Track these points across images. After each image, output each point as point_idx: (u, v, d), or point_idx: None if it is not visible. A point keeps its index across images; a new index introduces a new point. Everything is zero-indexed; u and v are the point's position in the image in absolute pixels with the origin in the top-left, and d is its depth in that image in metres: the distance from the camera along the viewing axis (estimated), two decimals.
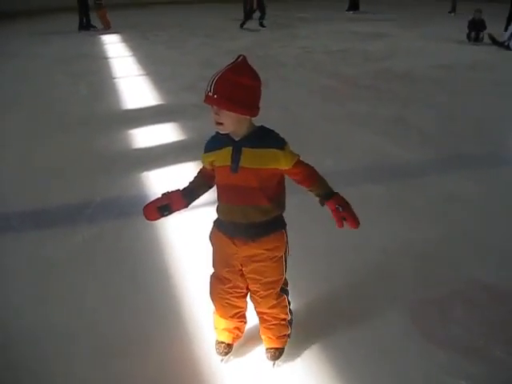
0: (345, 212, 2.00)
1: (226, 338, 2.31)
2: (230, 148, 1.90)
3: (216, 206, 2.05)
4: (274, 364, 2.28)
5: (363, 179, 4.33)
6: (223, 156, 1.92)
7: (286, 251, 2.08)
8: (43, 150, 5.19)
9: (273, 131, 1.95)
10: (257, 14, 14.99)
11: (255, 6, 14.74)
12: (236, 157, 1.89)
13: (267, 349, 2.30)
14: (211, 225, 2.12)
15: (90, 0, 15.31)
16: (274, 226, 2.02)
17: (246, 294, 2.20)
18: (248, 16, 14.90)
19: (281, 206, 2.03)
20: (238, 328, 2.30)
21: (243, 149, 1.89)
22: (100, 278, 3.02)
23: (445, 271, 2.99)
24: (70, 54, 11.31)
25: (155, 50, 11.86)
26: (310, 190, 2.05)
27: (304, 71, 9.17)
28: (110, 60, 10.62)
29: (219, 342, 2.33)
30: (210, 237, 2.14)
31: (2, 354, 2.45)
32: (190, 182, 2.13)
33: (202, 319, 2.54)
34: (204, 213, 2.17)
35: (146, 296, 2.81)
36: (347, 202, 2.02)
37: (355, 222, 2.01)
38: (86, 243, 3.40)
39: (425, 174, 4.48)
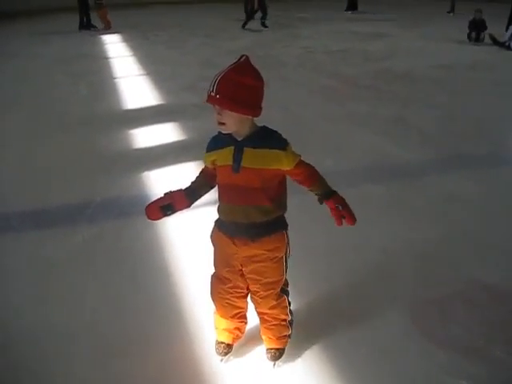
0: (344, 211, 2.02)
1: (226, 338, 2.31)
2: (232, 148, 1.90)
3: (217, 206, 2.05)
4: (274, 364, 2.28)
5: (363, 179, 4.33)
6: (225, 155, 1.92)
7: (286, 252, 2.08)
8: (43, 150, 5.19)
9: (275, 132, 1.95)
10: (258, 15, 14.97)
11: (256, 6, 14.73)
12: (238, 157, 1.89)
13: (268, 349, 2.30)
14: (212, 225, 2.12)
15: (90, 0, 15.32)
16: (275, 226, 2.02)
17: (247, 295, 2.20)
18: (250, 16, 14.88)
19: (282, 206, 2.03)
20: (238, 328, 2.30)
21: (245, 149, 1.89)
22: (100, 278, 3.02)
23: (445, 271, 2.99)
24: (71, 53, 11.31)
25: (155, 50, 11.86)
26: (311, 190, 2.06)
27: (304, 71, 9.18)
28: (111, 60, 10.62)
29: (219, 342, 2.33)
30: (211, 237, 2.14)
31: (2, 353, 2.45)
32: (192, 182, 2.13)
33: (203, 319, 2.53)
34: (204, 213, 2.18)
35: (147, 296, 2.81)
36: (345, 201, 2.04)
37: (353, 219, 2.03)
38: (86, 243, 3.40)
39: (425, 174, 4.48)
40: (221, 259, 2.12)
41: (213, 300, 2.23)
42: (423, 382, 2.22)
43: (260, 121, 1.94)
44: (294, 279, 2.32)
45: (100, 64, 10.15)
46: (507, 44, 10.85)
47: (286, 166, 1.92)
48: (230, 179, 1.94)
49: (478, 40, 11.65)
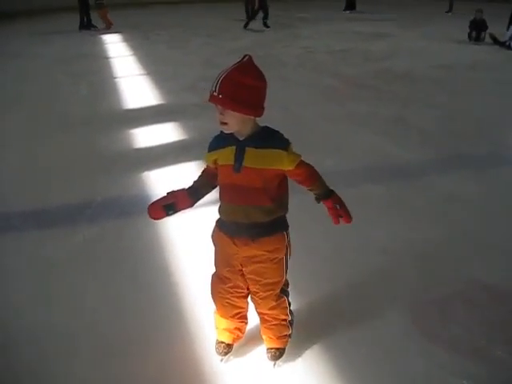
0: (341, 210, 2.04)
1: (226, 338, 2.31)
2: (234, 147, 1.90)
3: (218, 205, 2.06)
4: (274, 364, 2.28)
5: (363, 179, 4.34)
6: (226, 155, 1.92)
7: (287, 253, 2.08)
8: (44, 150, 5.19)
9: (277, 132, 1.96)
10: (260, 15, 14.96)
11: (256, 6, 14.72)
12: (239, 156, 1.89)
13: (268, 349, 2.30)
14: (212, 224, 2.13)
15: (90, 0, 15.32)
16: (276, 226, 2.02)
17: (247, 295, 2.20)
18: (252, 16, 14.86)
19: (284, 206, 2.03)
20: (238, 328, 2.30)
21: (247, 148, 1.89)
22: (100, 278, 3.02)
23: (445, 271, 2.99)
24: (71, 53, 11.31)
25: (156, 50, 11.87)
26: (309, 189, 2.07)
27: (305, 71, 9.18)
28: (111, 60, 10.62)
29: (219, 342, 2.33)
30: (212, 236, 2.14)
31: (2, 353, 2.45)
32: (195, 182, 2.12)
33: (203, 319, 2.54)
34: (205, 212, 2.18)
35: (147, 295, 2.81)
36: (342, 200, 2.06)
37: (350, 218, 2.06)
38: (87, 243, 3.41)
39: (425, 173, 4.49)
40: (221, 259, 2.13)
41: (213, 300, 2.23)
42: (423, 382, 2.22)
43: (260, 120, 1.95)
44: (295, 279, 2.32)
45: (100, 64, 10.15)
46: (508, 44, 10.87)
47: (287, 166, 1.92)
48: (231, 179, 1.94)
49: (478, 40, 11.67)
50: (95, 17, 15.60)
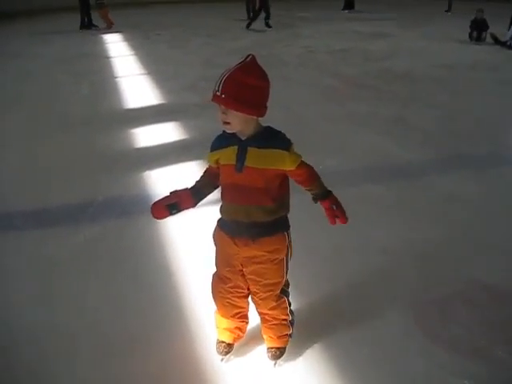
0: (337, 210, 2.06)
1: (226, 337, 2.32)
2: (236, 147, 1.91)
3: (220, 205, 2.06)
4: (275, 363, 2.28)
5: (363, 179, 4.34)
6: (228, 154, 1.93)
7: (287, 253, 2.09)
8: (44, 150, 5.19)
9: (280, 132, 1.96)
10: (261, 15, 14.92)
11: (257, 6, 14.69)
12: (241, 156, 1.89)
13: (268, 348, 2.31)
14: (214, 224, 2.13)
15: None
16: (277, 227, 2.02)
17: (248, 295, 2.21)
18: (254, 17, 14.81)
19: (285, 206, 2.04)
20: (239, 328, 2.31)
21: (249, 148, 1.89)
22: (102, 277, 3.03)
23: (445, 271, 3.00)
24: (71, 53, 11.31)
25: (157, 50, 11.87)
26: (308, 189, 2.08)
27: (305, 71, 9.19)
28: (112, 59, 10.62)
29: (220, 342, 2.34)
30: (213, 236, 2.14)
31: (2, 353, 2.45)
32: (197, 181, 2.12)
33: (204, 318, 2.54)
34: (206, 212, 2.19)
35: (148, 295, 2.82)
36: (339, 201, 2.09)
37: (345, 219, 2.08)
38: (88, 242, 3.41)
39: (425, 173, 4.49)
40: (222, 259, 2.13)
41: (214, 299, 2.24)
42: (423, 382, 2.22)
43: (262, 120, 1.95)
44: (295, 279, 2.33)
45: (101, 63, 10.16)
46: (508, 43, 10.87)
47: (289, 166, 1.93)
48: (232, 178, 1.94)
49: (479, 39, 11.66)
50: (96, 16, 15.60)
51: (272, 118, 1.95)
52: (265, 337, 2.30)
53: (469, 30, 11.86)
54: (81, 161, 4.88)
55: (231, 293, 2.16)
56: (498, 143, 5.31)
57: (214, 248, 2.16)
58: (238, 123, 1.86)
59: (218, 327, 2.32)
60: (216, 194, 2.10)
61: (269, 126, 1.97)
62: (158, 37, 13.83)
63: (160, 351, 2.40)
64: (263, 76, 1.87)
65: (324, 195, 2.07)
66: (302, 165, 1.98)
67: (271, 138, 1.93)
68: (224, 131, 1.94)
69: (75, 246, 3.37)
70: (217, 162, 1.99)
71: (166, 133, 5.64)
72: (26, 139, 5.57)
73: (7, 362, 2.40)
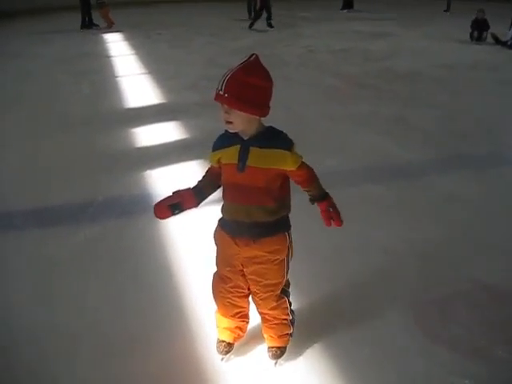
0: (333, 213, 2.07)
1: (227, 337, 2.32)
2: (238, 146, 1.91)
3: (221, 204, 2.06)
4: (275, 363, 2.29)
5: (363, 179, 4.34)
6: (230, 154, 1.93)
7: (288, 254, 2.09)
8: (44, 150, 5.19)
9: (282, 132, 1.96)
10: (264, 15, 14.88)
11: (258, 6, 14.65)
12: (243, 156, 1.90)
13: (269, 347, 2.31)
14: (214, 223, 2.13)
15: None
16: (277, 227, 2.03)
17: (248, 295, 2.21)
18: (256, 17, 14.75)
19: (286, 206, 2.04)
20: (239, 328, 2.31)
21: (251, 148, 1.90)
22: (102, 277, 3.03)
23: (445, 271, 3.00)
24: (72, 53, 11.30)
25: (158, 49, 11.85)
26: (306, 190, 2.09)
27: (307, 70, 9.19)
28: (113, 59, 10.62)
29: (220, 341, 2.34)
30: (214, 235, 2.15)
31: (2, 353, 2.45)
32: (199, 181, 2.12)
33: (205, 317, 2.54)
34: (207, 211, 2.19)
35: (148, 295, 2.82)
36: (335, 204, 2.10)
37: (341, 221, 2.10)
38: (88, 242, 3.41)
39: (425, 173, 4.49)
40: (222, 259, 2.13)
41: (214, 299, 2.24)
42: (424, 382, 2.23)
43: (263, 120, 1.95)
44: (296, 279, 2.34)
45: (102, 63, 10.15)
46: (509, 43, 10.86)
47: (290, 166, 1.93)
48: (234, 178, 1.94)
49: (480, 39, 11.65)
50: (96, 16, 15.58)
51: (272, 118, 1.95)
52: (265, 336, 2.31)
53: (469, 30, 11.84)
54: (81, 160, 4.88)
55: (231, 292, 2.16)
56: (498, 143, 5.31)
57: (214, 247, 2.17)
58: (241, 123, 1.86)
59: (218, 326, 2.32)
60: (217, 194, 2.11)
61: (271, 126, 1.97)
62: (159, 36, 13.81)
63: (160, 351, 2.40)
64: (266, 76, 1.87)
65: (322, 197, 2.08)
66: (303, 166, 1.99)
67: (273, 138, 1.93)
68: (226, 131, 1.94)
69: (75, 246, 3.37)
70: (218, 161, 1.99)
71: (167, 132, 5.64)
72: (26, 139, 5.57)
73: (7, 361, 2.40)
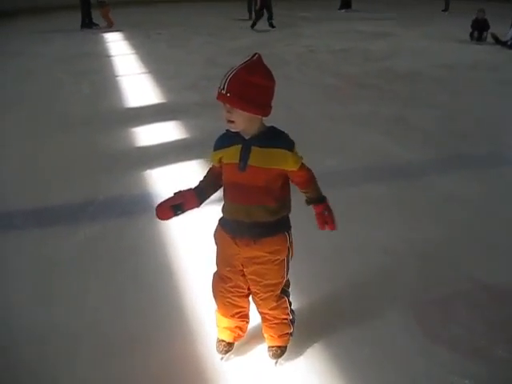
0: (328, 216, 2.09)
1: (227, 336, 2.32)
2: (240, 146, 1.91)
3: (222, 204, 2.06)
4: (276, 362, 2.29)
5: (364, 179, 4.34)
6: (231, 153, 1.93)
7: (288, 254, 2.09)
8: (44, 150, 5.18)
9: (283, 132, 1.97)
10: (265, 15, 14.84)
11: (258, 5, 14.60)
12: (245, 155, 1.89)
13: (269, 347, 2.31)
14: (215, 223, 2.13)
15: None
16: (278, 227, 2.03)
17: (249, 294, 2.21)
18: (258, 17, 14.69)
19: (286, 206, 2.05)
20: (239, 327, 2.31)
21: (252, 147, 1.89)
22: (102, 277, 3.03)
23: (445, 271, 3.00)
24: (72, 52, 11.29)
25: (158, 49, 11.85)
26: (304, 192, 2.10)
27: (307, 70, 9.18)
28: (112, 58, 10.60)
29: (220, 341, 2.34)
30: (214, 235, 2.15)
31: (2, 353, 2.45)
32: (201, 181, 2.12)
33: (205, 317, 2.54)
34: (207, 211, 2.20)
35: (149, 295, 2.82)
36: (331, 208, 2.12)
37: (335, 225, 2.12)
38: (88, 242, 3.41)
39: (425, 173, 4.49)
40: (222, 259, 2.13)
41: (214, 298, 2.24)
42: (424, 381, 2.23)
43: (263, 119, 1.95)
44: (296, 279, 2.34)
45: (102, 62, 10.14)
46: (509, 43, 10.86)
47: (291, 166, 1.93)
48: (235, 177, 1.94)
49: (480, 39, 11.65)
50: (96, 15, 15.56)
51: (273, 118, 1.95)
52: (265, 336, 2.31)
53: (469, 30, 11.84)
54: (81, 160, 4.87)
55: (232, 292, 2.16)
56: (498, 143, 5.31)
57: (214, 247, 2.17)
58: (243, 122, 1.86)
59: (218, 326, 2.33)
60: (217, 193, 2.11)
61: (272, 126, 1.97)
62: (159, 36, 13.81)
63: (160, 350, 2.40)
64: (269, 75, 1.87)
65: (318, 200, 2.10)
66: (304, 167, 1.99)
67: (275, 138, 1.93)
68: (227, 130, 1.94)
69: (75, 246, 3.37)
70: (220, 161, 1.99)
71: (167, 132, 5.64)
72: (26, 139, 5.56)
73: (7, 361, 2.40)
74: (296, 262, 2.19)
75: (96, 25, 15.65)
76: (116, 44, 12.76)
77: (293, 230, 2.10)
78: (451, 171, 4.51)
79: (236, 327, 2.30)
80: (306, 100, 7.02)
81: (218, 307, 2.26)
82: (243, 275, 2.11)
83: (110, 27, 15.40)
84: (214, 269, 2.21)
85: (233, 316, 2.24)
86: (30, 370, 2.36)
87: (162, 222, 2.14)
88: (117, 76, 8.86)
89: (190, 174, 4.22)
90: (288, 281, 2.21)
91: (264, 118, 1.93)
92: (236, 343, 2.36)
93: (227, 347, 2.33)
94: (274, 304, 2.16)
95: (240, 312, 2.25)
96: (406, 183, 4.32)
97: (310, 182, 2.06)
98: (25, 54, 11.11)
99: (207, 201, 2.13)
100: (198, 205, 2.08)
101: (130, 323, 2.60)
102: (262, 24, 14.36)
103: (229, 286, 2.15)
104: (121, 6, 19.87)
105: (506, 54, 10.40)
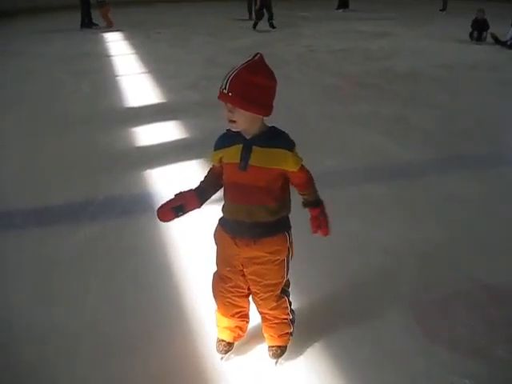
0: (323, 221, 2.10)
1: (227, 336, 2.32)
2: (241, 146, 1.91)
3: (222, 204, 2.06)
4: (276, 362, 2.29)
5: (364, 179, 4.34)
6: (232, 153, 1.92)
7: (288, 254, 2.09)
8: (44, 150, 5.18)
9: (284, 132, 1.97)
10: (266, 14, 14.81)
11: (258, 5, 14.57)
12: (246, 155, 1.89)
13: (270, 347, 2.31)
14: (215, 223, 2.13)
15: None
16: (278, 227, 2.03)
17: (249, 294, 2.21)
18: (259, 17, 14.63)
19: (286, 207, 2.05)
20: (239, 327, 2.31)
21: (253, 147, 1.89)
22: (102, 277, 3.03)
23: (445, 271, 3.00)
24: (72, 52, 11.28)
25: (158, 48, 11.85)
26: (302, 194, 2.10)
27: (307, 70, 9.19)
28: (112, 58, 10.60)
29: (220, 340, 2.34)
30: (214, 235, 2.15)
31: (2, 353, 2.45)
32: (201, 182, 2.12)
33: (205, 316, 2.54)
34: (207, 211, 2.19)
35: (149, 294, 2.82)
36: (326, 213, 2.12)
37: (328, 231, 2.13)
38: (88, 241, 3.41)
39: (425, 173, 4.50)
40: (222, 259, 2.13)
41: (214, 298, 2.24)
42: (424, 381, 2.23)
43: (264, 119, 1.95)
44: (296, 279, 2.34)
45: (102, 62, 10.14)
46: (509, 43, 10.86)
47: (291, 167, 1.93)
48: (235, 177, 1.94)
49: (479, 39, 11.66)
50: (96, 15, 15.55)
51: (273, 118, 1.95)
52: (266, 335, 2.31)
53: (469, 30, 11.84)
54: (81, 160, 4.87)
55: (231, 292, 2.16)
56: (498, 143, 5.32)
57: (214, 246, 2.17)
58: (244, 122, 1.86)
59: (218, 326, 2.33)
60: (218, 193, 2.11)
61: (273, 126, 1.97)
62: (159, 35, 13.81)
63: (160, 350, 2.40)
64: (271, 75, 1.87)
65: (315, 203, 2.10)
66: (303, 168, 2.00)
67: (275, 138, 1.93)
68: (228, 130, 1.94)
69: (75, 246, 3.37)
70: (220, 160, 1.99)
71: (167, 132, 5.64)
72: (26, 139, 5.56)
73: (7, 362, 2.40)
74: (296, 262, 2.19)
75: (95, 25, 15.65)
76: (116, 44, 12.76)
77: (293, 230, 2.10)
78: (451, 171, 4.51)
79: (236, 327, 2.30)
80: (306, 100, 7.02)
81: (218, 307, 2.26)
82: (243, 275, 2.11)
83: (110, 27, 15.39)
84: (214, 269, 2.21)
85: (233, 316, 2.24)
86: (30, 369, 2.36)
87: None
88: (117, 76, 8.87)
89: (190, 173, 4.22)
90: (288, 281, 2.21)
91: (265, 118, 1.93)
92: (236, 343, 2.36)
93: (227, 347, 2.33)
94: (274, 304, 2.16)
95: (240, 312, 2.25)
96: (406, 183, 4.32)
97: (308, 184, 2.06)
98: (25, 54, 11.11)
99: (211, 200, 2.13)
100: (199, 205, 2.08)
101: (130, 323, 2.60)
102: (263, 24, 14.34)
103: (229, 286, 2.15)
104: (121, 6, 19.85)
105: (505, 54, 10.40)
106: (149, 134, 5.59)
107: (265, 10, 14.27)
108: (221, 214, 2.08)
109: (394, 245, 3.28)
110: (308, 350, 2.37)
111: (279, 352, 2.29)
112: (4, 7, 19.19)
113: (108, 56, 10.87)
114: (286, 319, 2.24)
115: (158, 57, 10.68)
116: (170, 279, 2.95)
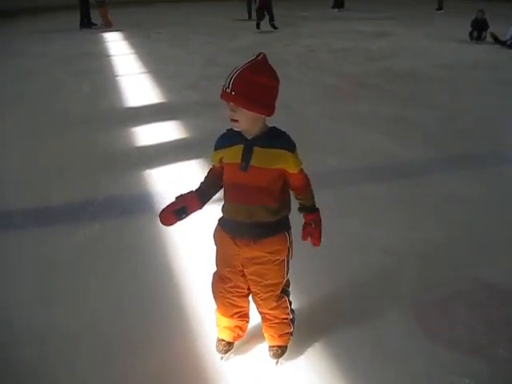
0: (315, 229, 2.10)
1: (226, 336, 2.32)
2: (241, 146, 1.90)
3: (222, 204, 2.06)
4: (276, 362, 2.29)
5: (364, 178, 4.33)
6: (233, 153, 1.92)
7: (288, 254, 2.09)
8: (44, 149, 5.18)
9: (284, 133, 1.97)
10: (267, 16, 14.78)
11: (257, 5, 14.53)
12: (247, 155, 1.89)
13: (270, 347, 2.31)
14: (214, 223, 2.13)
15: None
16: (278, 227, 2.03)
17: (248, 294, 2.21)
18: (259, 17, 14.54)
19: (287, 206, 2.05)
20: (239, 327, 2.31)
21: (254, 148, 1.89)
22: (102, 277, 3.03)
23: (446, 271, 3.00)
24: (72, 52, 11.29)
25: (157, 48, 11.85)
26: (299, 198, 2.10)
27: (307, 70, 9.19)
28: (112, 58, 10.61)
29: (220, 340, 2.34)
30: (214, 235, 2.14)
31: (2, 353, 2.45)
32: (202, 183, 2.11)
33: (205, 316, 2.54)
34: (207, 211, 2.19)
35: (149, 294, 2.82)
36: (321, 222, 2.11)
37: (319, 241, 2.12)
38: (88, 241, 3.41)
39: (425, 173, 4.49)
40: (222, 259, 2.13)
41: (214, 298, 2.24)
42: (424, 381, 2.23)
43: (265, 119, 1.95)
44: (297, 278, 2.34)
45: (102, 62, 10.15)
46: (508, 43, 10.86)
47: (292, 168, 1.94)
48: (236, 178, 1.94)
49: (479, 39, 11.66)
50: (95, 15, 15.55)
51: (273, 118, 1.95)
52: (266, 335, 2.31)
53: (469, 29, 11.84)
54: (81, 160, 4.87)
55: (231, 292, 2.16)
56: (498, 143, 5.31)
57: (214, 247, 2.16)
58: (246, 121, 1.85)
59: (218, 326, 2.32)
60: (218, 193, 2.11)
61: (274, 127, 1.97)
62: (159, 35, 13.82)
63: (161, 349, 2.40)
64: (274, 75, 1.87)
65: (311, 209, 2.10)
66: (303, 171, 2.00)
67: (276, 138, 1.93)
68: (228, 130, 1.94)
69: (75, 246, 3.37)
70: (220, 161, 1.99)
71: (167, 132, 5.64)
72: (26, 139, 5.56)
73: (7, 361, 2.40)
74: (296, 262, 2.19)
75: (95, 24, 15.66)
76: (116, 44, 12.77)
77: (293, 230, 2.10)
78: (451, 171, 4.51)
79: (236, 327, 2.30)
80: (306, 100, 7.02)
81: (218, 307, 2.26)
82: (243, 275, 2.10)
83: (109, 27, 15.39)
84: (214, 269, 2.21)
85: (232, 316, 2.24)
86: (30, 369, 2.36)
87: None
88: (117, 76, 8.87)
89: (189, 173, 4.22)
90: (288, 280, 2.21)
91: (266, 118, 1.93)
92: (236, 343, 2.36)
93: (227, 347, 2.32)
94: (275, 304, 2.16)
95: (240, 312, 2.25)
96: (407, 183, 4.32)
97: (306, 187, 2.06)
98: (25, 54, 11.11)
99: (210, 200, 2.13)
100: (201, 207, 2.08)
101: (130, 323, 2.60)
102: (263, 24, 14.34)
103: (228, 287, 2.15)
104: (121, 6, 19.88)
105: (505, 54, 10.40)
106: (149, 134, 5.59)
107: (265, 12, 14.22)
108: (220, 214, 2.08)
109: (394, 245, 3.28)
110: (308, 349, 2.37)
111: (280, 352, 2.29)
112: (7, 7, 19.19)
113: (108, 56, 10.88)
114: (286, 319, 2.24)
115: (158, 57, 10.69)
116: (170, 279, 2.95)
